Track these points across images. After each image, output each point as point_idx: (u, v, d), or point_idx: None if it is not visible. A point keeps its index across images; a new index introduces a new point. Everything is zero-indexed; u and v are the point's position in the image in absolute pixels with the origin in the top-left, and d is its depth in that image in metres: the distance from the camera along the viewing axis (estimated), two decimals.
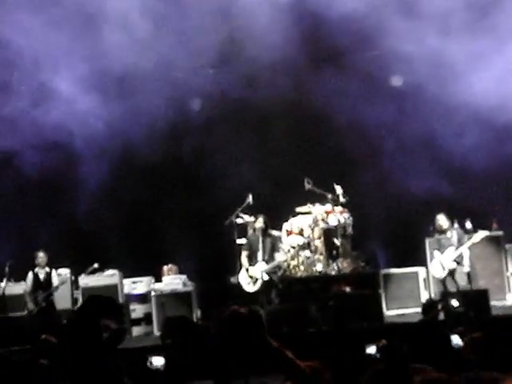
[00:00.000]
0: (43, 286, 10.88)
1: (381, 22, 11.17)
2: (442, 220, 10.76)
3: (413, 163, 11.84)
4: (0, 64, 11.73)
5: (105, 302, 5.16)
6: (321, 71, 12.08)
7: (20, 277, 11.17)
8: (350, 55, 12.21)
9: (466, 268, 10.66)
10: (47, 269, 10.97)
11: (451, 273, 10.59)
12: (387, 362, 4.98)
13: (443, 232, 10.75)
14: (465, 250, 10.57)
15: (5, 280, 11.17)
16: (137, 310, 11.57)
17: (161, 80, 12.26)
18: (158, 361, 6.90)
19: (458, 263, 10.59)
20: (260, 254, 10.79)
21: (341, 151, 12.63)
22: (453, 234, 10.69)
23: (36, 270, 10.97)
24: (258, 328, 3.79)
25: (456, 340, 6.54)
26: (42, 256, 10.95)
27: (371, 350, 5.54)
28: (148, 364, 6.08)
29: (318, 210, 11.77)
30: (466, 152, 11.47)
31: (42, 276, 10.94)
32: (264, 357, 4.17)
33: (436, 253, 10.80)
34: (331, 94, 11.95)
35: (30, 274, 10.96)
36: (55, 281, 10.97)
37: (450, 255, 10.57)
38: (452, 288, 10.53)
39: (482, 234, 10.59)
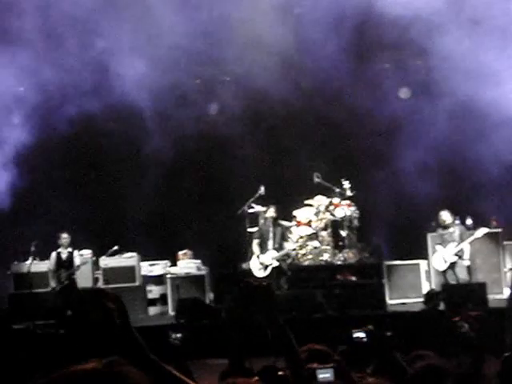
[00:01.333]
0: (65, 266, 11.30)
1: (425, 28, 11.27)
2: (445, 216, 11.20)
3: (420, 162, 12.08)
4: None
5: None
6: (342, 71, 12.23)
7: (46, 256, 11.59)
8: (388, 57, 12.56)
9: (466, 262, 11.15)
10: (70, 249, 11.38)
11: (452, 266, 11.07)
12: (373, 346, 5.47)
13: (445, 227, 11.21)
14: (466, 245, 11.06)
15: (31, 258, 11.69)
16: (153, 291, 12.07)
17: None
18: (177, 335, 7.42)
19: (459, 257, 11.09)
20: (270, 243, 11.18)
21: (352, 147, 12.92)
22: (455, 230, 11.15)
23: (59, 250, 11.42)
24: (270, 301, 3.99)
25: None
26: (65, 237, 11.38)
27: (358, 334, 6.02)
28: (170, 337, 6.63)
29: (322, 201, 12.14)
30: (473, 155, 11.93)
31: (64, 256, 11.35)
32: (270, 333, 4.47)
33: (438, 247, 11.26)
34: (351, 94, 12.31)
35: (54, 254, 11.39)
36: (77, 260, 11.36)
37: (452, 249, 11.04)
38: (452, 280, 11.04)
39: (483, 230, 11.08)
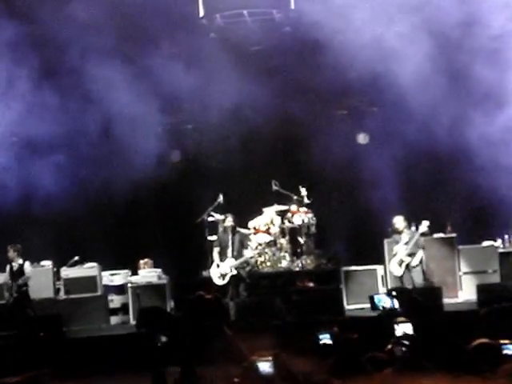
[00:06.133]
0: (16, 277, 11.15)
1: None
2: (399, 222, 11.45)
3: (375, 170, 12.40)
4: None
5: None
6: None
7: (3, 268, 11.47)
8: None
9: (416, 262, 11.32)
10: (21, 260, 11.21)
11: (408, 270, 11.29)
12: (339, 348, 5.60)
13: (399, 233, 11.46)
14: (418, 237, 11.31)
15: None
16: (114, 301, 12.09)
17: None
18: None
19: (412, 260, 11.27)
20: (229, 251, 11.32)
21: (309, 157, 13.03)
22: (409, 235, 11.39)
23: (13, 262, 11.26)
24: (219, 314, 4.09)
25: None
26: (10, 250, 11.24)
27: (325, 338, 6.09)
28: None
29: (278, 209, 12.36)
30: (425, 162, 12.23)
31: (15, 268, 11.21)
32: (219, 343, 4.61)
33: (394, 251, 11.49)
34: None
35: (8, 266, 11.29)
36: (28, 272, 11.19)
37: (405, 253, 11.27)
38: (409, 285, 11.25)
39: (426, 222, 11.31)
